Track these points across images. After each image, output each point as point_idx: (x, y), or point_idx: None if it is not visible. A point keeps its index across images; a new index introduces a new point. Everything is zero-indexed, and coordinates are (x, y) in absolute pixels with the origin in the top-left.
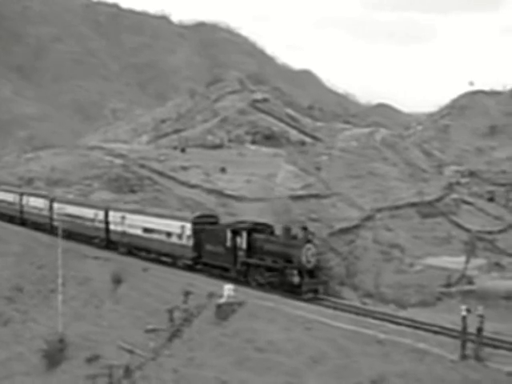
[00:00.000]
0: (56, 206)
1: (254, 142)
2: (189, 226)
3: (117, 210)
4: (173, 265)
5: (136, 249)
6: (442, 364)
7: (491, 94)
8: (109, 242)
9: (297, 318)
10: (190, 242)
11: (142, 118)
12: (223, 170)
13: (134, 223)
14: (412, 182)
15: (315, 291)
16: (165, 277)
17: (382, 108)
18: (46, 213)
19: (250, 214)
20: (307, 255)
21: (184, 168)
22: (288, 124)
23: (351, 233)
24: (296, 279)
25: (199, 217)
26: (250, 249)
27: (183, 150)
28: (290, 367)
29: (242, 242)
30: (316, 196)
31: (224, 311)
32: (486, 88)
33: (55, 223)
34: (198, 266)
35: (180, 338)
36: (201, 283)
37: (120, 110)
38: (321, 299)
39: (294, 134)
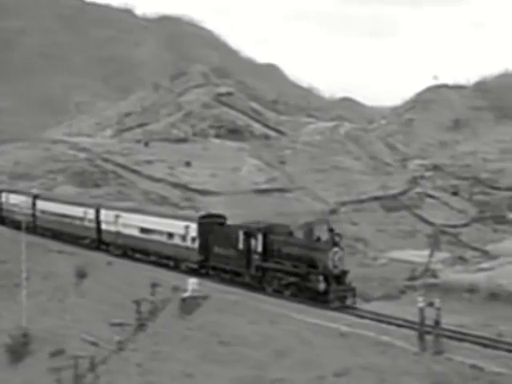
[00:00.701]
0: (40, 203)
1: (218, 136)
2: (194, 226)
3: (110, 208)
4: (175, 268)
5: (132, 250)
6: (405, 357)
7: (455, 88)
8: (100, 242)
9: (262, 311)
10: (196, 244)
11: (106, 112)
12: (188, 163)
13: (129, 223)
14: (376, 175)
15: (343, 299)
16: (129, 271)
17: (346, 102)
18: (28, 211)
19: (215, 208)
20: (334, 259)
21: (148, 162)
22: (252, 118)
23: None
24: (322, 286)
25: (205, 217)
26: (266, 252)
27: (146, 144)
28: (255, 360)
29: (257, 244)
30: (280, 190)
31: (189, 305)
32: (451, 82)
33: (38, 222)
34: (205, 270)
35: (145, 331)
36: (165, 277)
37: (84, 104)
38: (348, 307)
39: (258, 128)
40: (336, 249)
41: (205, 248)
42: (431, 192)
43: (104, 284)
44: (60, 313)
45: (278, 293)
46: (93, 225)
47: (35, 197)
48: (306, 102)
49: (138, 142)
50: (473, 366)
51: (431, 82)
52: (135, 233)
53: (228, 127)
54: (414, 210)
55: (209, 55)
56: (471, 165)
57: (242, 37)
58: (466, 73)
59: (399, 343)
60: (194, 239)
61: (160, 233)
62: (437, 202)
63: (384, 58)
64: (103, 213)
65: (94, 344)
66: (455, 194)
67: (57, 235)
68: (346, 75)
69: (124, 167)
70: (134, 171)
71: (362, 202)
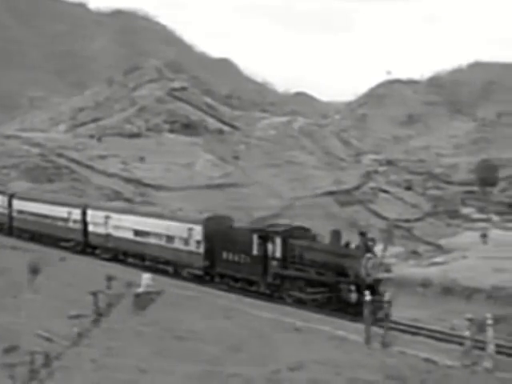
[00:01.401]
0: (16, 203)
1: (172, 131)
2: (199, 229)
3: (98, 208)
4: (175, 274)
5: (124, 254)
6: (360, 351)
7: (409, 83)
8: (87, 245)
9: (217, 306)
10: (201, 249)
11: (60, 107)
12: (141, 158)
13: (122, 224)
14: (330, 170)
15: (376, 311)
16: (82, 266)
17: (300, 96)
18: (2, 211)
19: (169, 203)
20: (367, 267)
21: (102, 157)
22: (206, 113)
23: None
24: (354, 296)
25: (211, 219)
26: (286, 258)
27: (99, 139)
28: (210, 355)
29: (275, 249)
30: (235, 185)
31: (142, 300)
32: (404, 77)
33: (15, 223)
34: (209, 277)
35: (99, 327)
36: (119, 272)
37: (38, 99)
38: (381, 320)
39: (212, 123)
40: (369, 255)
41: (211, 253)
42: (385, 187)
43: (58, 279)
44: (14, 309)
45: (299, 303)
46: (78, 226)
47: (11, 196)
48: (261, 97)
49: (92, 137)
50: (426, 360)
51: (385, 77)
52: (128, 235)
53: (182, 122)
54: (368, 205)
55: (163, 50)
56: (425, 160)
57: (197, 31)
58: (420, 68)
59: (354, 337)
60: (198, 243)
61: (158, 235)
62: (390, 197)
63: (338, 53)
64: (90, 213)
65: (48, 340)
66: (409, 188)
67: (36, 237)
68: (301, 70)
69: (77, 162)
70: (87, 166)
71: (316, 196)
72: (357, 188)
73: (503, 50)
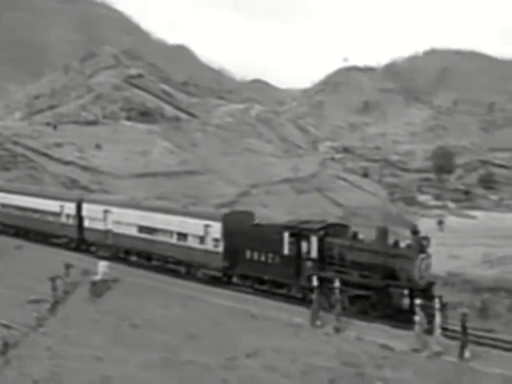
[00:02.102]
0: None
1: (129, 119)
2: (218, 225)
3: (95, 202)
4: (188, 275)
5: (126, 253)
6: (316, 337)
7: (365, 71)
8: (82, 242)
9: (174, 294)
10: (220, 248)
11: (16, 95)
12: (98, 146)
13: (124, 220)
14: (287, 158)
15: (430, 317)
16: (39, 255)
17: (257, 84)
18: None
19: (126, 191)
20: (421, 269)
21: (58, 145)
22: (163, 100)
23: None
24: (406, 302)
25: (231, 214)
26: (323, 258)
27: (55, 127)
28: (166, 343)
29: (311, 248)
30: (192, 172)
31: (99, 288)
32: (361, 64)
33: None
34: (227, 279)
35: (55, 315)
36: (75, 261)
37: None
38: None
39: (169, 110)
40: (423, 255)
41: (232, 252)
42: (342, 174)
43: (15, 268)
44: None
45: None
46: (72, 221)
47: None
48: (218, 85)
49: (48, 124)
50: (383, 346)
51: (341, 65)
52: (132, 232)
53: (139, 109)
54: (325, 192)
55: (120, 37)
56: (381, 147)
57: (154, 19)
58: (377, 55)
59: (318, 327)
60: (217, 241)
61: (168, 233)
62: (347, 184)
63: (295, 41)
64: (86, 207)
65: (7, 327)
66: (365, 176)
67: (21, 233)
68: (257, 58)
69: (34, 150)
70: (43, 154)
71: (273, 184)
72: (314, 175)
73: (459, 37)
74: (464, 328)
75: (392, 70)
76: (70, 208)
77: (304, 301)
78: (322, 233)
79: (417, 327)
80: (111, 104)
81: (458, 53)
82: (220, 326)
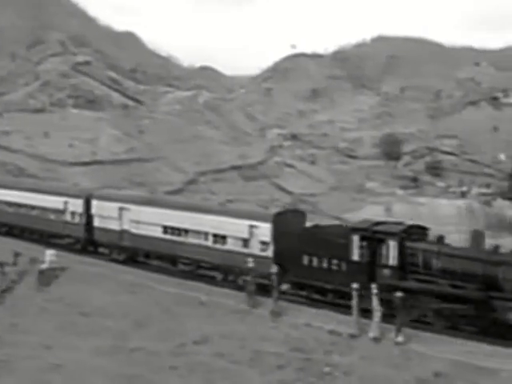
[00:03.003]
0: None
1: (76, 106)
2: (266, 226)
3: (108, 198)
4: (224, 282)
5: (146, 256)
6: (264, 324)
7: (313, 57)
8: (90, 243)
9: (122, 282)
10: (268, 252)
11: None
12: (46, 134)
13: (145, 219)
14: (235, 145)
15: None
16: None
17: (205, 71)
18: None
19: (74, 178)
20: None
21: (5, 133)
22: (110, 87)
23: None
24: None
25: (283, 214)
26: (404, 266)
27: (0, 115)
28: (115, 330)
29: (389, 253)
30: (139, 160)
31: (47, 277)
32: (309, 51)
33: None
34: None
35: (3, 303)
36: (21, 249)
37: None
38: None
39: (116, 98)
40: None
41: (284, 257)
42: (290, 161)
43: None
44: None
45: (423, 324)
46: (78, 220)
47: None
48: (165, 71)
49: None
50: (331, 332)
51: (289, 51)
52: (155, 233)
53: (86, 97)
54: (273, 180)
55: (66, 23)
56: (329, 134)
57: (100, 4)
58: (324, 42)
59: (258, 311)
60: (265, 244)
61: (202, 234)
62: (295, 171)
63: (243, 27)
64: (97, 204)
65: None
66: (313, 163)
67: (15, 232)
68: (205, 44)
69: None
70: None
71: (221, 171)
72: (262, 163)
73: (406, 24)
74: (398, 312)
75: (340, 57)
76: (77, 205)
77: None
78: (402, 236)
79: (354, 312)
80: (58, 91)
81: (406, 39)
82: (169, 313)
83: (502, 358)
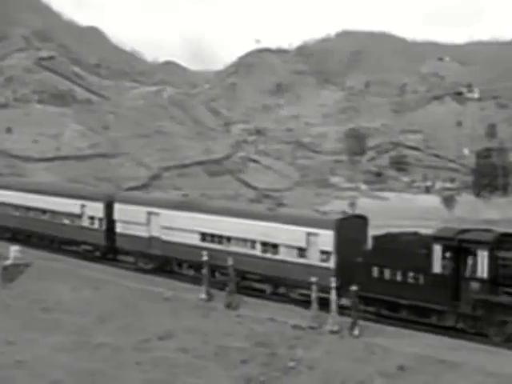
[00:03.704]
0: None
1: (40, 101)
2: (328, 234)
3: (133, 202)
4: (275, 296)
5: (179, 265)
6: (227, 319)
7: (278, 52)
8: (111, 250)
9: (86, 278)
10: (330, 263)
11: None
12: (9, 130)
13: (179, 225)
14: (200, 140)
15: None
16: None
17: (170, 66)
18: None
19: (38, 174)
20: None
21: None
22: (75, 82)
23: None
24: None
25: (346, 220)
26: (497, 279)
27: None
28: (78, 326)
29: (478, 265)
30: (103, 155)
31: (10, 273)
32: (273, 46)
33: None
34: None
35: None
36: None
37: None
38: None
39: (80, 93)
40: None
41: (348, 269)
42: (254, 156)
43: None
44: None
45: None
46: (98, 225)
47: None
48: (130, 67)
49: None
50: (295, 327)
51: (254, 46)
52: (191, 240)
53: (51, 92)
54: (238, 175)
55: (30, 18)
56: (294, 129)
57: None
58: (289, 37)
59: (220, 306)
60: (326, 254)
61: (248, 242)
62: (260, 166)
63: (207, 22)
64: (120, 208)
65: None
66: (278, 158)
67: (20, 238)
68: (169, 38)
69: None
70: None
71: (185, 166)
72: (226, 158)
73: (370, 19)
74: (354, 305)
75: (305, 52)
76: (96, 209)
77: (461, 332)
78: (493, 245)
79: (314, 305)
80: (23, 87)
81: (370, 34)
82: (132, 309)
83: (464, 352)
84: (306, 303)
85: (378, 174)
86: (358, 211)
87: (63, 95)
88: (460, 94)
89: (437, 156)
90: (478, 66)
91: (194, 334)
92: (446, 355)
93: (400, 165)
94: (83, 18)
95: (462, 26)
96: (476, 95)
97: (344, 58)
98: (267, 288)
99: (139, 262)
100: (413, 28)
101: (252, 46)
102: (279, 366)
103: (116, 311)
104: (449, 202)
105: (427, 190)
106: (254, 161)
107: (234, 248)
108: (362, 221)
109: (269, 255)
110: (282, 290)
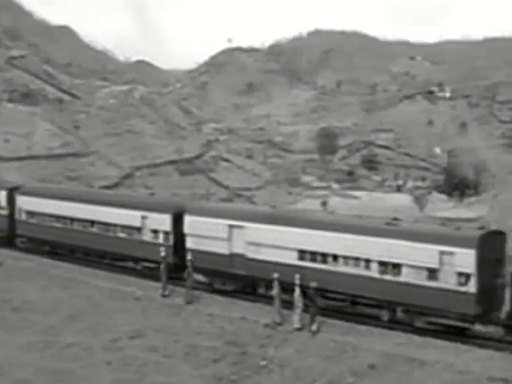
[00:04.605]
0: (22, 200)
1: (10, 100)
2: (468, 253)
3: (209, 214)
4: (406, 326)
5: (267, 286)
6: (197, 317)
7: (249, 51)
8: (179, 268)
9: (56, 276)
10: (470, 286)
11: None
12: None
13: (270, 241)
14: (171, 139)
15: None
16: None
17: (141, 65)
18: (2, 212)
19: (9, 174)
20: None
21: None
22: (45, 81)
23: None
24: None
25: (487, 236)
26: None
27: None
28: (46, 325)
29: None
30: (74, 155)
31: None
32: (245, 45)
33: (21, 231)
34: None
35: None
36: None
37: None
38: None
39: (51, 92)
40: None
41: (489, 293)
42: (226, 155)
43: None
44: None
45: None
46: (163, 239)
47: (12, 190)
48: (101, 65)
49: None
50: (266, 325)
51: (225, 45)
52: (287, 259)
53: (21, 91)
54: (209, 174)
55: (1, 17)
56: (265, 128)
57: None
58: (261, 36)
59: (193, 306)
60: (464, 277)
61: (362, 261)
62: (231, 166)
63: (178, 21)
64: (192, 220)
65: None
66: (249, 157)
67: (63, 252)
68: (140, 37)
69: None
70: None
71: (156, 166)
72: (198, 157)
73: (342, 18)
74: (312, 301)
75: (276, 51)
76: (161, 221)
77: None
78: None
79: (276, 302)
80: None
81: (342, 33)
82: (102, 308)
83: (434, 350)
84: (430, 332)
85: (350, 173)
86: (329, 210)
87: (34, 94)
88: (431, 92)
89: (408, 155)
90: (448, 64)
91: (164, 333)
92: (416, 353)
93: (371, 164)
94: (55, 17)
95: (432, 25)
96: (447, 94)
97: (315, 57)
98: (383, 314)
99: (216, 283)
100: (384, 27)
101: (224, 45)
102: (250, 364)
103: (86, 310)
104: (420, 200)
105: (398, 189)
106: (226, 160)
107: (342, 268)
108: (501, 237)
109: (389, 277)
110: (402, 316)
